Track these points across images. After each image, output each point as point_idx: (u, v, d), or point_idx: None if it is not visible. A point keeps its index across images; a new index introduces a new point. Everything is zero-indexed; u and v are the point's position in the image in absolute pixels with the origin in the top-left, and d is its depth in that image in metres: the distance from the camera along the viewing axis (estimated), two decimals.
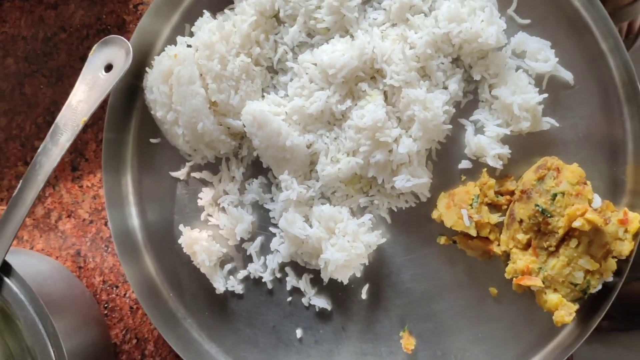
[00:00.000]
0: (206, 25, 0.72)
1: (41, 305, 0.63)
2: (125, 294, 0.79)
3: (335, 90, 0.69)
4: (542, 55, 0.67)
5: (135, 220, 0.76)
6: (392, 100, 0.68)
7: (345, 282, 0.69)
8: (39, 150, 0.65)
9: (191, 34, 0.74)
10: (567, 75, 0.67)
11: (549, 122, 0.66)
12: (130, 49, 0.67)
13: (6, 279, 0.64)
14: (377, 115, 0.66)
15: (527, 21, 0.69)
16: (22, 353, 0.66)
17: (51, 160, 0.64)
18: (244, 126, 0.70)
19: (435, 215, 0.67)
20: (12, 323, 0.66)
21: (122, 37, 0.68)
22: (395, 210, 0.70)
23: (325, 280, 0.70)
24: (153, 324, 0.76)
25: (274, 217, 0.73)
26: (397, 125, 0.68)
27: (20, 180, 0.65)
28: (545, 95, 0.66)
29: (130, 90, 0.76)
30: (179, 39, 0.73)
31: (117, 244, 0.73)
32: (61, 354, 0.63)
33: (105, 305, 0.79)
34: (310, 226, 0.69)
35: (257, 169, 0.74)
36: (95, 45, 0.68)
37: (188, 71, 0.70)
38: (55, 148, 0.65)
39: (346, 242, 0.67)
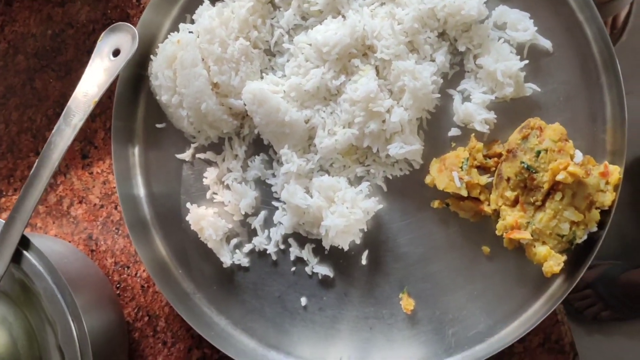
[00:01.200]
0: (206, 12, 0.77)
1: (60, 277, 0.67)
2: (136, 274, 0.83)
3: (330, 67, 0.73)
4: (522, 26, 0.72)
5: (144, 202, 0.80)
6: (384, 73, 0.73)
7: (346, 248, 0.73)
8: (53, 132, 0.70)
9: (192, 22, 0.79)
10: (546, 43, 0.71)
11: (531, 88, 0.71)
12: (136, 33, 0.71)
13: (25, 253, 0.67)
14: (370, 87, 0.70)
15: None
16: (42, 325, 0.69)
17: (65, 140, 0.68)
18: (245, 105, 0.75)
19: (428, 180, 0.71)
20: (32, 296, 0.69)
21: (128, 23, 0.73)
22: (391, 178, 0.74)
23: (327, 248, 0.74)
24: (166, 300, 0.80)
25: (276, 192, 0.77)
26: (389, 97, 0.72)
27: (37, 160, 0.69)
28: (526, 61, 0.70)
29: (136, 80, 0.80)
30: (182, 25, 0.77)
31: (128, 225, 0.76)
32: (81, 325, 0.66)
33: (118, 285, 0.83)
34: (311, 197, 0.73)
35: (258, 146, 0.78)
36: (103, 33, 0.73)
37: (191, 55, 0.74)
38: (68, 128, 0.69)
39: (345, 209, 0.71)
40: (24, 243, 0.68)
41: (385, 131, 0.71)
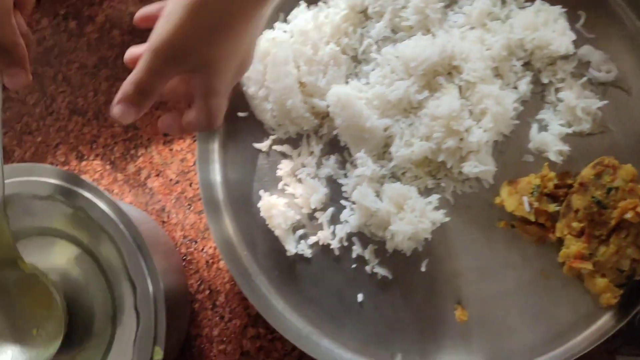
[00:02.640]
0: (302, 15, 0.81)
1: (142, 238, 0.72)
2: (202, 249, 0.88)
3: (415, 82, 0.77)
4: (605, 67, 0.74)
5: (219, 184, 0.84)
6: (466, 94, 0.76)
7: (408, 254, 0.77)
8: None
9: (285, 21, 0.83)
10: (627, 86, 0.74)
11: (607, 127, 0.74)
12: None
13: (111, 213, 0.73)
14: (453, 105, 0.73)
15: (593, 36, 0.77)
16: (119, 284, 0.73)
17: None
18: (328, 106, 0.79)
19: (497, 200, 0.74)
20: (113, 255, 0.74)
21: None
22: (460, 193, 0.78)
23: (390, 251, 0.78)
24: (228, 277, 0.86)
25: (345, 191, 0.81)
26: (469, 117, 0.75)
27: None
28: (606, 102, 0.73)
29: None
30: (277, 25, 0.82)
31: (204, 202, 0.81)
32: (158, 288, 0.71)
33: (184, 257, 0.88)
34: (381, 201, 0.77)
35: (333, 147, 0.82)
36: None
37: (284, 53, 0.78)
38: None
39: (414, 217, 0.75)
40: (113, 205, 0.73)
41: (462, 149, 0.75)
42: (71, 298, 0.75)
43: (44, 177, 0.74)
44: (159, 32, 0.55)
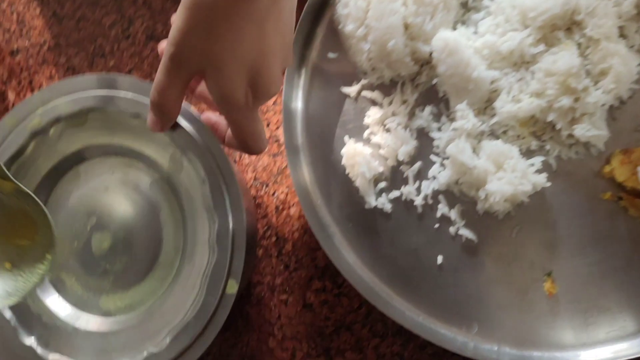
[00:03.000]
0: None
1: (231, 171, 0.67)
2: (274, 193, 0.84)
3: (531, 34, 0.71)
4: None
5: (299, 125, 0.80)
6: (585, 52, 0.71)
7: (500, 217, 0.72)
8: None
9: None
10: None
11: None
12: None
13: (196, 138, 0.69)
14: (572, 62, 0.68)
15: None
16: (194, 216, 0.69)
17: None
18: (432, 52, 0.74)
19: (607, 169, 0.69)
20: (194, 185, 0.70)
21: None
22: (565, 158, 0.72)
23: (481, 212, 0.73)
24: (297, 225, 0.81)
25: (437, 146, 0.76)
26: (586, 77, 0.70)
27: None
28: None
29: (320, 6, 0.80)
30: None
31: (286, 143, 0.77)
32: (240, 222, 0.67)
33: (253, 200, 0.84)
34: (478, 158, 0.72)
35: (430, 97, 0.77)
36: None
37: None
38: None
39: (514, 178, 0.70)
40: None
41: (576, 110, 0.69)
42: (139, 226, 0.72)
43: (130, 91, 0.70)
44: (170, 36, 0.56)
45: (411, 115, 0.77)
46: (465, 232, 0.74)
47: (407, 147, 0.76)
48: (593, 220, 0.71)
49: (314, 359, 0.79)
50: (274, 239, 0.83)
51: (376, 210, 0.78)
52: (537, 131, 0.73)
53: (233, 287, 0.67)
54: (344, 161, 0.77)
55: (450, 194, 0.76)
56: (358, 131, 0.79)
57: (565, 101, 0.69)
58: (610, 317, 0.70)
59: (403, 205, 0.77)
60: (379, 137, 0.78)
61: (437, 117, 0.77)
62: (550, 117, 0.70)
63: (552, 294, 0.71)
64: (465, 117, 0.72)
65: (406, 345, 0.78)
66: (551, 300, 0.72)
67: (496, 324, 0.73)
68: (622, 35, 0.70)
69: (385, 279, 0.76)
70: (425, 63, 0.76)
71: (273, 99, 0.85)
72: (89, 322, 0.72)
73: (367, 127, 0.79)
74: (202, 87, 0.69)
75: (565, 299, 0.71)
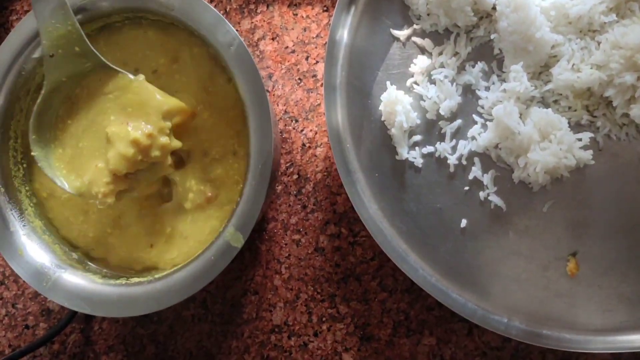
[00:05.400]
0: None
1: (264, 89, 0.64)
2: (302, 130, 0.80)
3: (604, 1, 0.67)
4: None
5: (340, 63, 0.75)
6: None
7: (535, 189, 0.70)
8: None
9: None
10: None
11: None
12: None
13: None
14: None
15: None
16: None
17: None
18: (495, 5, 0.69)
19: None
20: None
21: None
22: (614, 138, 0.69)
23: (516, 181, 0.70)
24: (321, 167, 0.79)
25: (481, 106, 0.73)
26: None
27: None
28: None
29: None
30: None
31: (325, 79, 0.73)
32: (269, 138, 0.65)
33: (280, 133, 0.80)
34: (524, 124, 0.69)
35: (482, 53, 0.73)
36: None
37: None
38: None
39: (559, 150, 0.67)
40: None
41: (637, 89, 0.65)
42: None
43: None
44: None
45: (460, 69, 0.73)
46: (495, 199, 0.72)
47: (450, 102, 0.72)
48: (630, 206, 0.68)
49: (318, 303, 0.78)
50: (295, 176, 0.80)
51: (406, 163, 0.74)
52: (590, 105, 0.69)
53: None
54: (381, 107, 0.74)
55: (487, 158, 0.72)
56: (401, 78, 0.75)
57: (629, 78, 0.65)
58: (629, 307, 0.68)
59: (435, 162, 0.74)
60: (423, 88, 0.74)
61: (487, 75, 0.73)
62: (608, 93, 0.66)
63: (573, 274, 0.69)
64: (518, 79, 0.69)
65: (413, 304, 0.76)
66: (572, 281, 0.70)
67: (510, 297, 0.71)
68: None
69: (405, 234, 0.74)
70: (486, 16, 0.72)
71: (316, 31, 0.81)
72: None
73: (412, 75, 0.75)
74: None
75: (586, 282, 0.69)
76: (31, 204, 0.73)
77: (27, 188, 0.73)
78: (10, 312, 0.83)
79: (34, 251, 0.70)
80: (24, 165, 0.73)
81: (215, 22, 0.67)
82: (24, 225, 0.71)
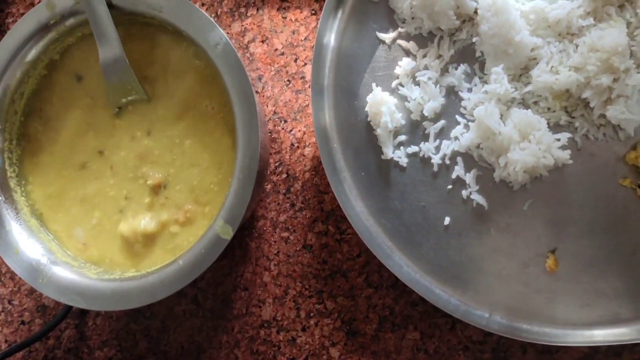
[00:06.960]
0: None
1: (253, 94, 0.66)
2: (291, 130, 0.82)
3: (582, 5, 0.69)
4: None
5: (328, 64, 0.77)
6: (634, 33, 0.68)
7: (515, 188, 0.72)
8: None
9: None
10: None
11: None
12: None
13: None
14: (619, 40, 0.66)
15: None
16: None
17: None
18: (477, 9, 0.71)
19: (632, 155, 0.68)
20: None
21: None
22: (591, 139, 0.71)
23: (497, 180, 0.73)
24: (309, 166, 0.81)
25: (464, 107, 0.75)
26: (630, 57, 0.68)
27: None
28: None
29: None
30: None
31: (312, 81, 0.75)
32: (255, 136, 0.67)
33: (269, 134, 0.82)
34: (504, 125, 0.71)
35: (465, 56, 0.75)
36: None
37: None
38: None
39: (537, 150, 0.69)
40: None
41: (613, 91, 0.68)
42: None
43: None
44: None
45: (444, 71, 0.75)
46: (477, 198, 0.74)
47: (434, 103, 0.74)
48: (607, 204, 0.70)
49: (306, 299, 0.80)
50: (284, 175, 0.82)
51: (391, 162, 0.77)
52: (568, 106, 0.71)
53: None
54: (367, 108, 0.76)
55: (469, 157, 0.75)
56: (386, 80, 0.77)
57: (605, 80, 0.67)
58: (606, 301, 0.70)
59: (419, 161, 0.76)
60: (407, 89, 0.76)
61: (469, 77, 0.75)
62: (586, 94, 0.69)
63: (553, 271, 0.71)
64: (499, 81, 0.71)
65: (398, 300, 0.79)
66: (551, 277, 0.72)
67: (491, 292, 0.73)
68: None
69: (390, 231, 0.76)
70: (468, 19, 0.74)
71: (304, 34, 0.83)
72: None
73: (397, 77, 0.77)
74: None
75: (565, 278, 0.71)
76: (27, 204, 0.75)
77: (22, 189, 0.75)
78: (6, 309, 0.85)
79: (30, 249, 0.72)
80: (19, 166, 0.75)
81: (202, 23, 0.69)
82: (19, 224, 0.73)
